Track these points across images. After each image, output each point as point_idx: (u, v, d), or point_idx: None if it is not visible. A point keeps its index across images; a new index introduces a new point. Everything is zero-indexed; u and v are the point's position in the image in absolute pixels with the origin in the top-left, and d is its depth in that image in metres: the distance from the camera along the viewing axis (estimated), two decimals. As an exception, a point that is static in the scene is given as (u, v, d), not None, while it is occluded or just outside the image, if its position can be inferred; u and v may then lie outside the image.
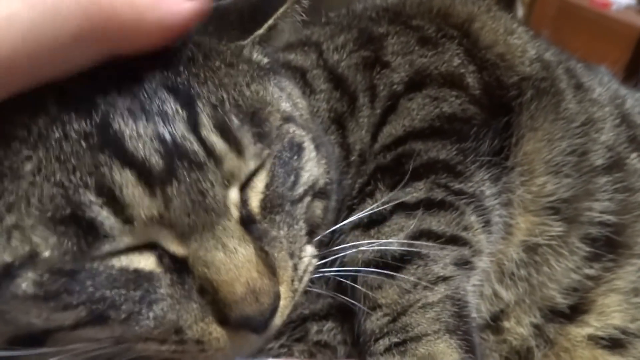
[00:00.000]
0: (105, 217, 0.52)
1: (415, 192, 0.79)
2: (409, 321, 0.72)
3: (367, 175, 0.83)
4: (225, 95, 0.60)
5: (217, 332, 0.58)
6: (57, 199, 0.52)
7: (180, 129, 0.55)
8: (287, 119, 0.68)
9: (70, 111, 0.53)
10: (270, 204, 0.64)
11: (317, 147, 0.73)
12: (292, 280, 0.64)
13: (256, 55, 0.71)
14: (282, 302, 0.62)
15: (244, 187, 0.62)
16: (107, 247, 0.54)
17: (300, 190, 0.68)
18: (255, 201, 0.63)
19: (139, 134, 0.54)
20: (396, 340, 0.71)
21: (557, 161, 0.88)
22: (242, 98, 0.62)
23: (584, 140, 0.90)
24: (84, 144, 0.53)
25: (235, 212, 0.59)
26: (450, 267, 0.75)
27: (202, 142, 0.56)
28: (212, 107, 0.58)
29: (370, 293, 0.74)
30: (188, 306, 0.57)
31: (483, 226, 0.81)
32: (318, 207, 0.74)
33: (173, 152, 0.55)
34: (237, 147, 0.59)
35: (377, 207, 0.78)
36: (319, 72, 0.89)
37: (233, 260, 0.56)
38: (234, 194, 0.60)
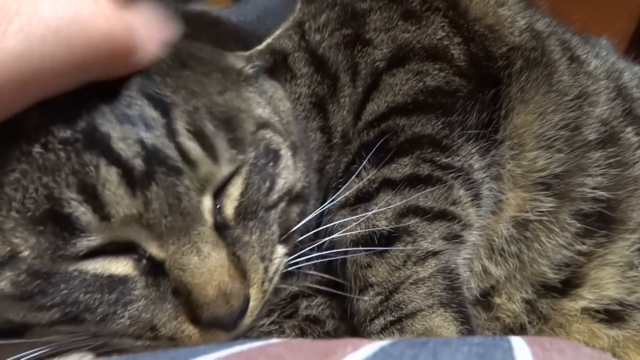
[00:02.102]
0: (82, 212, 0.58)
1: (401, 168, 0.83)
2: (402, 298, 0.76)
3: (352, 154, 0.87)
4: (198, 103, 0.65)
5: (189, 330, 0.64)
6: (39, 199, 0.58)
7: (159, 135, 0.61)
8: (263, 125, 0.73)
9: (53, 120, 0.59)
10: (245, 211, 0.70)
11: (296, 151, 0.79)
12: (263, 282, 0.70)
13: (239, 64, 0.76)
14: (252, 303, 0.68)
15: (218, 194, 0.68)
16: (83, 243, 0.59)
17: (275, 197, 0.74)
18: (230, 208, 0.69)
19: (125, 137, 0.60)
20: (391, 318, 0.75)
21: (549, 135, 0.91)
22: (215, 105, 0.67)
23: (577, 114, 0.93)
24: (69, 147, 0.58)
25: (209, 219, 0.65)
26: (439, 241, 0.79)
27: (179, 148, 0.62)
28: (188, 114, 0.63)
29: (360, 272, 0.79)
30: (162, 306, 0.63)
31: (472, 200, 0.85)
32: (294, 211, 0.80)
33: (153, 156, 0.60)
34: (212, 153, 0.64)
35: (364, 185, 0.83)
36: (300, 55, 0.93)
37: (206, 264, 0.62)
38: (207, 201, 0.65)
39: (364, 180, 0.83)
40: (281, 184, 0.74)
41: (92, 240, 0.59)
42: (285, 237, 0.77)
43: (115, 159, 0.59)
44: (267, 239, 0.72)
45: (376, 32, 0.93)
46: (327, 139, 0.90)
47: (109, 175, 0.58)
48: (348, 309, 0.81)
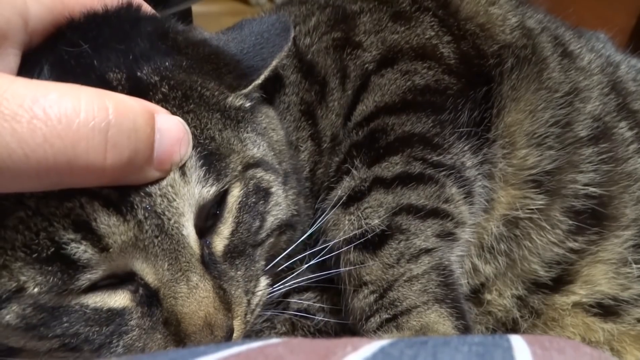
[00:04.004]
0: (83, 250, 0.61)
1: (392, 166, 0.84)
2: (397, 295, 0.77)
3: (343, 154, 0.88)
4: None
5: None
6: (43, 242, 0.60)
7: None
8: (255, 164, 0.75)
9: None
10: (234, 249, 0.72)
11: (287, 180, 0.81)
12: (246, 314, 0.72)
13: (239, 102, 0.77)
14: (235, 334, 0.70)
15: (208, 231, 0.70)
16: (86, 277, 0.62)
17: (264, 234, 0.76)
18: (220, 245, 0.71)
19: None
20: (387, 316, 0.76)
21: (539, 133, 0.92)
22: (207, 138, 0.69)
23: (567, 110, 0.94)
24: (54, 192, 0.59)
25: (196, 249, 0.67)
26: (432, 239, 0.80)
27: None
28: None
29: (354, 271, 0.80)
30: (154, 336, 0.66)
31: (464, 197, 0.86)
32: (282, 239, 0.82)
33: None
34: (180, 168, 0.65)
35: (356, 184, 0.84)
36: (289, 62, 0.94)
37: (194, 295, 0.65)
38: (190, 226, 0.67)
39: (356, 179, 0.84)
40: (271, 221, 0.77)
41: (94, 274, 0.62)
42: (270, 266, 0.79)
43: (93, 194, 0.60)
44: (252, 274, 0.74)
45: (366, 34, 0.94)
46: (317, 145, 0.91)
47: (94, 209, 0.60)
48: (342, 305, 0.82)
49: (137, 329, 0.66)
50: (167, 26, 0.78)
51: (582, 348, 0.49)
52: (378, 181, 0.83)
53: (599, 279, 0.91)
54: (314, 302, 0.87)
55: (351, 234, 0.81)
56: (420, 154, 0.85)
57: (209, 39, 0.82)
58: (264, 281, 0.77)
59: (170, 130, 0.62)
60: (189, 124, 0.66)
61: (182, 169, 0.65)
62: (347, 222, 0.82)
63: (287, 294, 0.87)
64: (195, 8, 2.02)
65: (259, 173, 0.75)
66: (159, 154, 0.60)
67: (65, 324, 0.64)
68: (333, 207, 0.84)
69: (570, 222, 0.91)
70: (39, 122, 0.51)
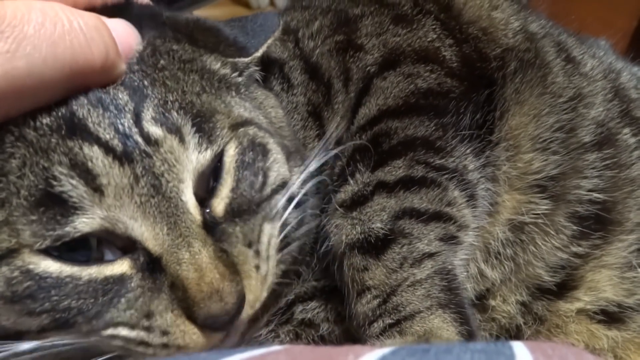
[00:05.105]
0: (74, 185, 0.61)
1: (395, 170, 0.84)
2: (400, 300, 0.76)
3: (347, 158, 0.88)
4: (170, 96, 0.69)
5: (184, 325, 0.66)
6: (39, 181, 0.61)
7: (127, 119, 0.66)
8: (245, 123, 0.76)
9: (40, 110, 0.63)
10: (237, 207, 0.72)
11: (290, 156, 0.82)
12: (258, 267, 0.72)
13: (223, 70, 0.79)
14: (250, 296, 0.70)
15: (210, 196, 0.71)
16: (82, 220, 0.62)
17: (268, 190, 0.76)
18: (220, 206, 0.71)
19: (99, 120, 0.64)
20: (390, 321, 0.76)
21: (544, 137, 0.92)
22: (186, 103, 0.70)
23: (571, 115, 0.93)
24: (56, 135, 0.62)
25: (197, 215, 0.68)
26: (435, 242, 0.80)
27: (142, 132, 0.65)
28: (155, 104, 0.68)
29: (357, 275, 0.79)
30: (159, 295, 0.65)
31: (467, 200, 0.86)
32: (292, 215, 0.81)
33: (125, 139, 0.64)
34: (177, 135, 0.67)
35: (359, 188, 0.84)
36: (296, 64, 0.94)
37: (197, 261, 0.65)
38: (189, 192, 0.68)
39: (359, 183, 0.84)
40: (274, 177, 0.77)
41: (89, 217, 0.62)
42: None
43: (95, 140, 0.63)
44: (252, 226, 0.73)
45: (368, 37, 0.94)
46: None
47: (94, 152, 0.62)
48: (346, 312, 0.82)
49: (139, 289, 0.65)
50: (161, 10, 0.82)
51: (584, 356, 0.49)
52: (381, 185, 0.83)
53: (603, 285, 0.91)
54: (318, 312, 0.87)
55: (354, 238, 0.81)
56: (422, 158, 0.85)
57: (207, 20, 0.85)
58: (267, 227, 0.76)
59: (118, 25, 0.69)
60: (168, 88, 0.70)
61: (181, 135, 0.67)
62: (350, 226, 0.82)
63: (292, 304, 0.87)
64: (197, 13, 2.03)
65: (251, 129, 0.76)
66: (122, 46, 0.67)
67: (54, 298, 0.63)
68: (336, 210, 0.84)
69: (575, 227, 0.90)
70: (41, 34, 0.57)
